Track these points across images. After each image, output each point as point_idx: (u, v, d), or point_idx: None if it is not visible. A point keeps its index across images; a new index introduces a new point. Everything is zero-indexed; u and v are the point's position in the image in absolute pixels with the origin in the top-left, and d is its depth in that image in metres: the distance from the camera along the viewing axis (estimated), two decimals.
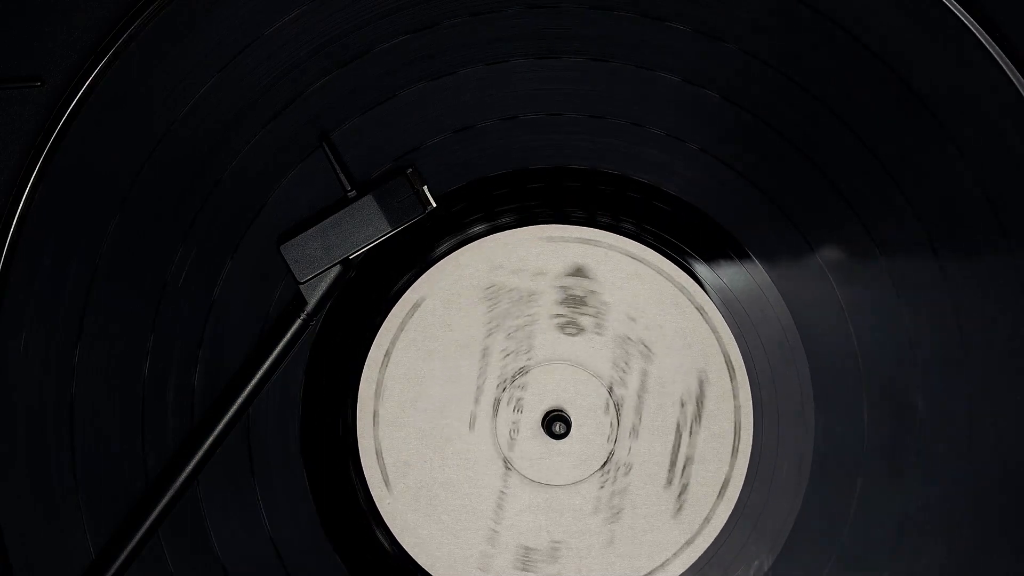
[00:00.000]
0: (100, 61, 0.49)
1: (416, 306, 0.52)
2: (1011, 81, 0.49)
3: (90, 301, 0.50)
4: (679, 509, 0.52)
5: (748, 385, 0.52)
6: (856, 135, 0.50)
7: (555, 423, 0.52)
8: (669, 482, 0.52)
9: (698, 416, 0.52)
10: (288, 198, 0.51)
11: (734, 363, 0.52)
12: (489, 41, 0.50)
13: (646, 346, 0.52)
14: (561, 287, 0.52)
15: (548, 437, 0.52)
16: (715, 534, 0.52)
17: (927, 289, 0.50)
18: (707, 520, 0.52)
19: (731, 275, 0.52)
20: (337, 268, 0.50)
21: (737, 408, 0.52)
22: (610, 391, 0.52)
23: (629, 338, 0.52)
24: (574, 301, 0.52)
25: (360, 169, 0.51)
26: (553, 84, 0.51)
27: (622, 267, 0.52)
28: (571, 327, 0.52)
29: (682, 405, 0.52)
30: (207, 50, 0.50)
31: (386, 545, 0.53)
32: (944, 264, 0.50)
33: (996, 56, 0.49)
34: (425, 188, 0.50)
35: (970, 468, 0.50)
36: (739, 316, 0.52)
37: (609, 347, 0.52)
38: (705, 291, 0.52)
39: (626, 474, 0.52)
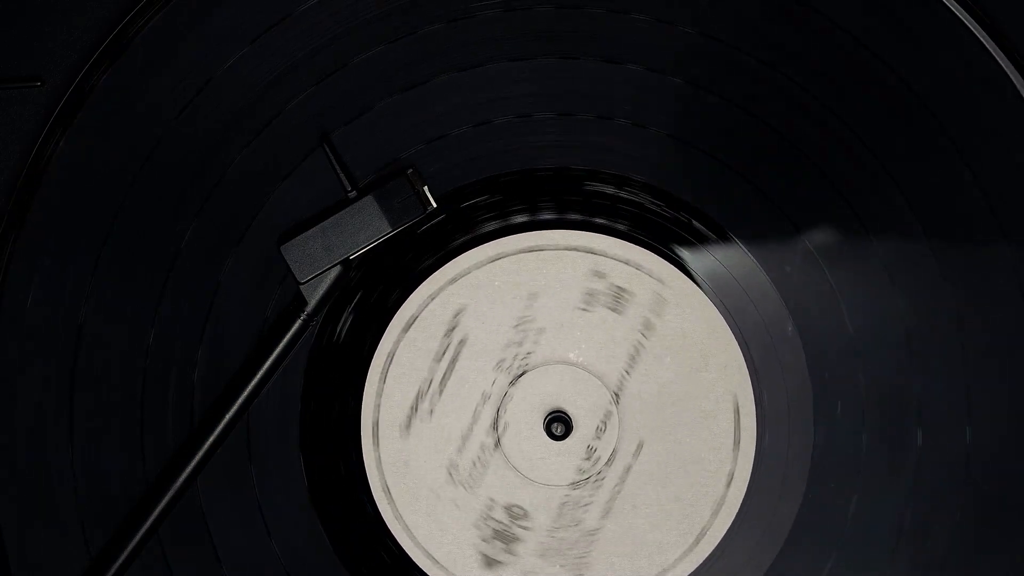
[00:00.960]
0: (100, 61, 0.49)
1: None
2: (1011, 81, 0.49)
3: (90, 301, 0.50)
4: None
5: (749, 386, 0.52)
6: (856, 135, 0.50)
7: (554, 424, 0.52)
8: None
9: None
10: (288, 198, 0.51)
11: (734, 363, 0.52)
12: (494, 40, 0.50)
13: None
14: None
15: (549, 438, 0.52)
16: (718, 536, 0.52)
17: (926, 289, 0.50)
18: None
19: (731, 275, 0.52)
20: (337, 268, 0.50)
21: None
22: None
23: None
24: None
25: (360, 169, 0.51)
26: (560, 85, 0.51)
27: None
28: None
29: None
30: (207, 50, 0.50)
31: (385, 544, 0.53)
32: (944, 263, 0.50)
33: (996, 56, 0.49)
34: (425, 188, 0.50)
35: (970, 468, 0.50)
36: (739, 316, 0.52)
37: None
38: (704, 291, 0.52)
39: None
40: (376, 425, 0.52)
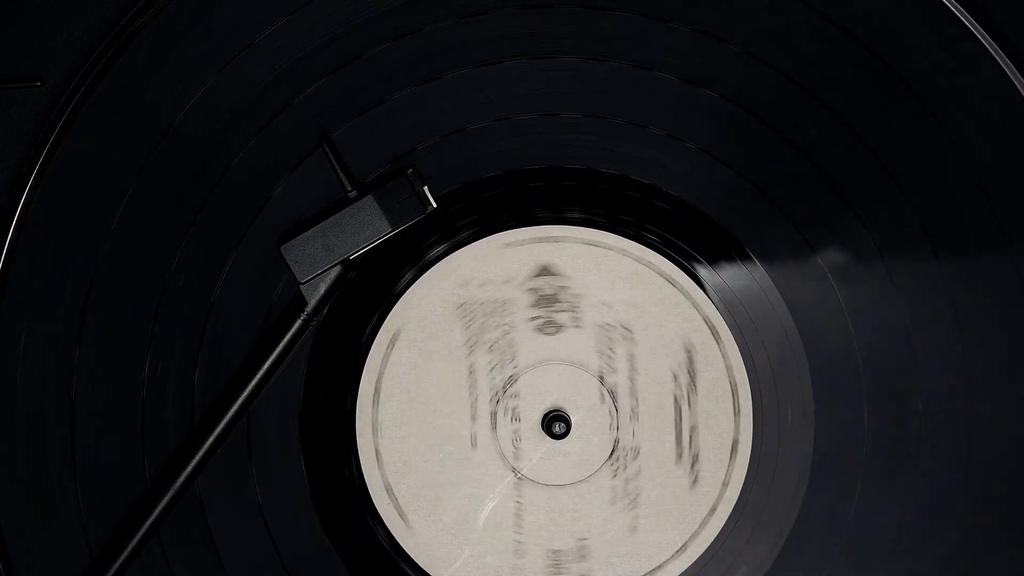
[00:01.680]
0: (100, 61, 0.49)
1: (397, 334, 0.52)
2: (1011, 81, 0.49)
3: (90, 301, 0.50)
4: (695, 481, 0.52)
5: (748, 385, 0.52)
6: (856, 135, 0.50)
7: (554, 423, 0.52)
8: (679, 456, 0.52)
9: (693, 384, 0.52)
10: (288, 198, 0.51)
11: (733, 363, 0.52)
12: (494, 41, 0.50)
13: (627, 329, 0.52)
14: (531, 289, 0.52)
15: (550, 438, 0.52)
16: (715, 534, 0.52)
17: (927, 289, 0.50)
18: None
19: (731, 275, 0.52)
20: (337, 268, 0.50)
21: (729, 367, 0.52)
22: (601, 380, 0.52)
23: (609, 324, 0.52)
24: (547, 300, 0.52)
25: (360, 169, 0.51)
26: (553, 84, 0.51)
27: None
28: (549, 327, 0.52)
29: (675, 377, 0.52)
30: (207, 50, 0.50)
31: (386, 545, 0.53)
32: (944, 264, 0.50)
33: (996, 56, 0.49)
34: (426, 188, 0.50)
35: (970, 468, 0.50)
36: (739, 316, 0.52)
37: (591, 337, 0.52)
38: (705, 292, 0.52)
39: (635, 458, 0.52)
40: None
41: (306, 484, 0.52)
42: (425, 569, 0.53)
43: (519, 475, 0.52)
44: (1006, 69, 0.49)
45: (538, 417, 0.52)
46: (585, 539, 0.52)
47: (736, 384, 0.52)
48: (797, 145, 0.51)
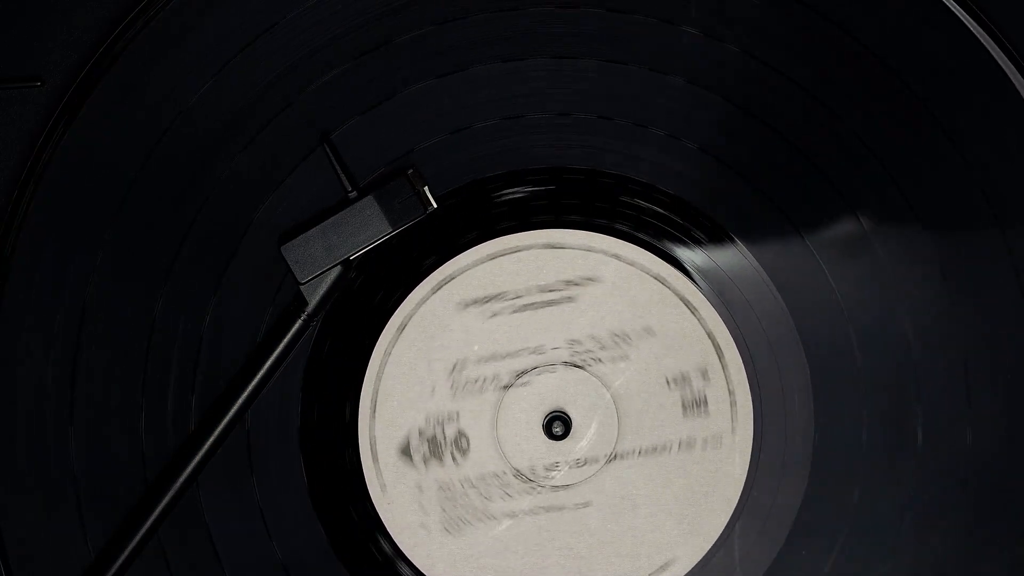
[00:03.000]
0: (100, 61, 0.49)
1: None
2: (1011, 81, 0.49)
3: (90, 301, 0.50)
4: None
5: (747, 385, 0.52)
6: (855, 134, 0.50)
7: (554, 423, 0.52)
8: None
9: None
10: (288, 198, 0.51)
11: (732, 362, 0.52)
12: (493, 41, 0.50)
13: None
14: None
15: (553, 439, 0.52)
16: (716, 534, 0.52)
17: (927, 288, 0.50)
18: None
19: (730, 274, 0.52)
20: (338, 269, 0.50)
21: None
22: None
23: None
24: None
25: (361, 169, 0.51)
26: (560, 85, 0.51)
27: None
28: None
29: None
30: (207, 50, 0.50)
31: (385, 545, 0.53)
32: (944, 264, 0.50)
33: (996, 56, 0.49)
34: (426, 188, 0.50)
35: (969, 467, 0.50)
36: (738, 316, 0.52)
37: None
38: (700, 290, 0.52)
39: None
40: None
41: (306, 484, 0.52)
42: (422, 569, 0.53)
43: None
44: (1006, 69, 0.49)
45: (540, 417, 0.52)
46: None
47: (736, 383, 0.52)
48: (797, 145, 0.51)
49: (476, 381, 0.52)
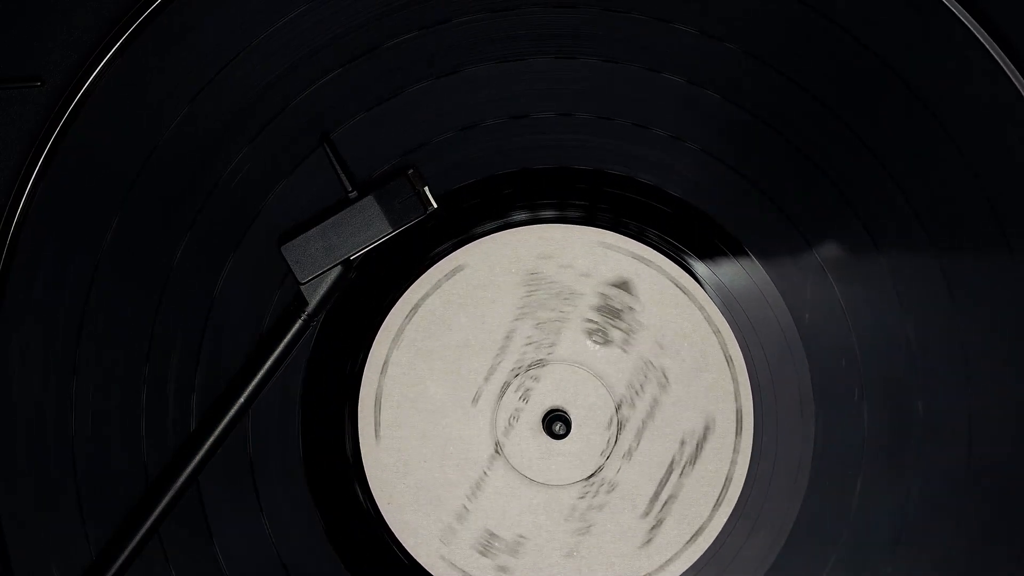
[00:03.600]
0: (100, 61, 0.49)
1: (456, 271, 0.51)
2: (1011, 81, 0.49)
3: (90, 301, 0.50)
4: (647, 542, 0.52)
5: (748, 384, 0.52)
6: (856, 135, 0.50)
7: (556, 423, 0.52)
8: (646, 513, 0.52)
9: (694, 459, 0.52)
10: (288, 198, 0.51)
11: (734, 363, 0.52)
12: (495, 40, 0.50)
13: (665, 376, 0.52)
14: (602, 294, 0.52)
15: (545, 434, 0.52)
16: (715, 534, 0.52)
17: (927, 289, 0.50)
18: (671, 560, 0.52)
19: (731, 276, 0.52)
20: (338, 269, 0.50)
21: (733, 462, 0.52)
22: (617, 408, 0.52)
23: (652, 364, 0.52)
24: (610, 312, 0.52)
25: (361, 169, 0.51)
26: (561, 84, 0.51)
27: (666, 293, 0.52)
28: (599, 336, 0.52)
29: (682, 443, 0.52)
30: (207, 50, 0.50)
31: (386, 544, 0.53)
32: (944, 264, 0.50)
33: (996, 56, 0.49)
34: (426, 189, 0.50)
35: (970, 468, 0.50)
36: (739, 317, 0.52)
37: (630, 366, 0.52)
38: (706, 291, 0.52)
39: (608, 492, 0.52)
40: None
41: (306, 484, 0.52)
42: (427, 568, 0.53)
43: (499, 450, 0.52)
44: (1006, 69, 0.49)
45: (544, 409, 0.52)
46: (524, 538, 0.52)
47: (737, 383, 0.52)
48: (798, 146, 0.51)
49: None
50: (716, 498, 0.52)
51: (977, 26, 0.49)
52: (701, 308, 0.52)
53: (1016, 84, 0.49)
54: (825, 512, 0.52)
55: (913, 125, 0.49)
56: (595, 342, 0.51)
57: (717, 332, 0.52)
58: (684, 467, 0.52)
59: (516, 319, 0.52)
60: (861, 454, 0.51)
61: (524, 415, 0.52)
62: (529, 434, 0.52)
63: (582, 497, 0.52)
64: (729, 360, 0.52)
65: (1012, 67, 0.49)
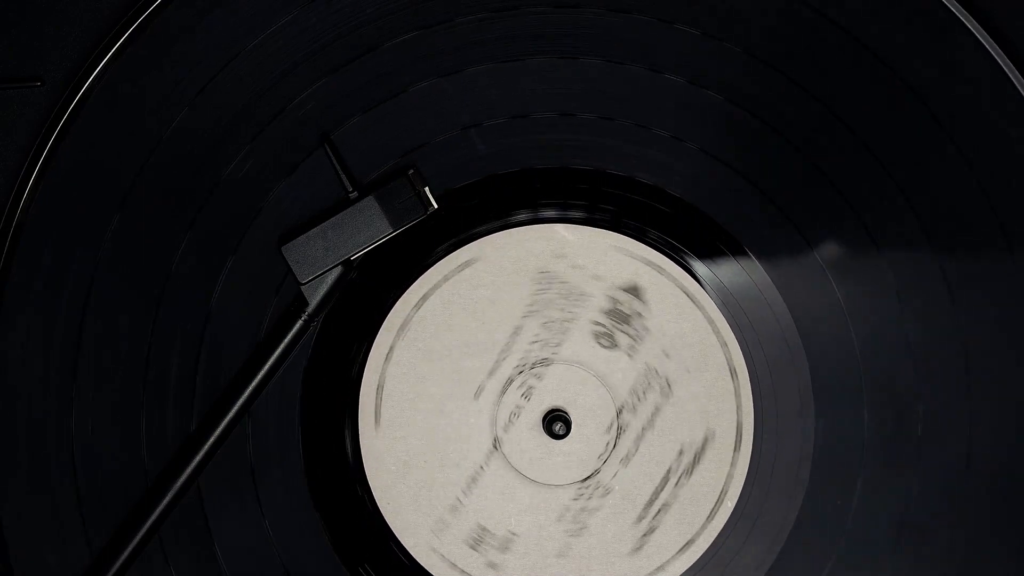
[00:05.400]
0: (100, 61, 0.49)
1: (466, 264, 0.51)
2: (1011, 81, 0.49)
3: (90, 301, 0.50)
4: (638, 548, 0.52)
5: (749, 387, 0.52)
6: (856, 135, 0.50)
7: (556, 423, 0.52)
8: (639, 519, 0.52)
9: (690, 469, 0.52)
10: (289, 198, 0.51)
11: (735, 364, 0.52)
12: (497, 40, 0.50)
13: (668, 384, 0.52)
14: (612, 298, 0.52)
15: (545, 434, 0.52)
16: (715, 534, 0.52)
17: (927, 289, 0.50)
18: (661, 568, 0.52)
19: (732, 277, 0.52)
20: (338, 269, 0.50)
21: (729, 475, 0.52)
22: (619, 413, 0.52)
23: (656, 372, 0.52)
24: (619, 316, 0.52)
25: (361, 170, 0.51)
26: (561, 85, 0.51)
27: (674, 300, 0.52)
28: (606, 340, 0.52)
29: (680, 453, 0.52)
30: (207, 50, 0.50)
31: (386, 544, 0.53)
32: (944, 264, 0.50)
33: (996, 56, 0.49)
34: (426, 189, 0.50)
35: (969, 468, 0.50)
36: (740, 318, 0.52)
37: (635, 372, 0.52)
38: (706, 292, 0.52)
39: (603, 496, 0.52)
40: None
41: (306, 484, 0.52)
42: (427, 568, 0.53)
43: (497, 446, 0.52)
44: (1006, 69, 0.49)
45: (545, 409, 0.52)
46: (515, 535, 0.52)
47: (738, 383, 0.52)
48: (798, 146, 0.51)
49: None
50: (710, 511, 0.52)
51: (977, 26, 0.49)
52: (702, 309, 0.52)
53: (1016, 84, 0.49)
54: (825, 512, 0.52)
55: (913, 125, 0.49)
56: (602, 345, 0.51)
57: (717, 333, 0.52)
58: (681, 476, 0.52)
59: (524, 316, 0.52)
60: (861, 454, 0.51)
61: (525, 413, 0.52)
62: (528, 432, 0.52)
63: (576, 499, 0.52)
64: (729, 360, 0.52)
65: (1012, 67, 0.49)
